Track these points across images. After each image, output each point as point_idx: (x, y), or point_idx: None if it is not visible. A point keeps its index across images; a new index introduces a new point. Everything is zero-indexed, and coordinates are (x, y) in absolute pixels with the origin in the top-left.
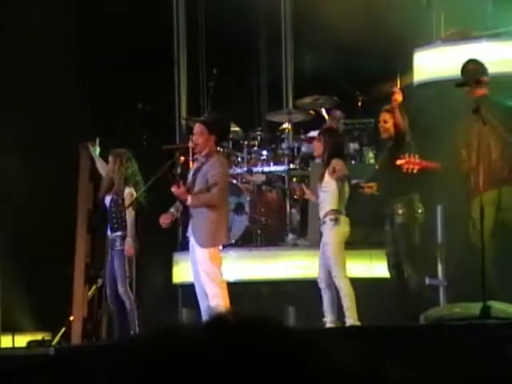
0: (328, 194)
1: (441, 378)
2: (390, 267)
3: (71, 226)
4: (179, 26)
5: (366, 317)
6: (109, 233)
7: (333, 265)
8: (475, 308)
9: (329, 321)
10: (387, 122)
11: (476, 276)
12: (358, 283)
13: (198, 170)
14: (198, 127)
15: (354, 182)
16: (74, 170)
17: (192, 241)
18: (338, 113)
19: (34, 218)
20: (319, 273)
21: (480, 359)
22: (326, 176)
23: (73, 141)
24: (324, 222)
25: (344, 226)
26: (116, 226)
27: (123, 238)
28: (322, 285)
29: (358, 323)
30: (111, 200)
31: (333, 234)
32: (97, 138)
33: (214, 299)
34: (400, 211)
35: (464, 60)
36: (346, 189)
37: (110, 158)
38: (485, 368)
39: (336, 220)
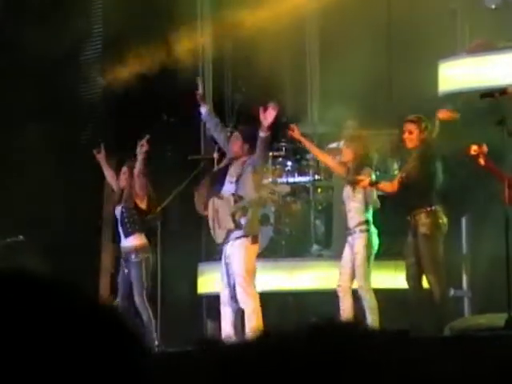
0: (359, 204)
1: None
2: (410, 278)
3: (96, 237)
4: (205, 41)
5: (390, 327)
6: (123, 243)
7: (361, 275)
8: (500, 319)
9: None
10: (412, 133)
11: (501, 287)
12: (382, 294)
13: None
14: (234, 135)
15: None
16: (99, 182)
17: (228, 249)
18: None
19: (59, 229)
20: (339, 281)
21: (504, 371)
22: (358, 186)
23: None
24: (355, 232)
25: (375, 237)
26: (130, 229)
27: (138, 249)
28: (342, 293)
29: None
30: (122, 208)
31: (366, 243)
32: None
33: (247, 310)
34: (424, 222)
35: (489, 71)
36: (375, 198)
37: (124, 169)
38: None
39: (368, 230)
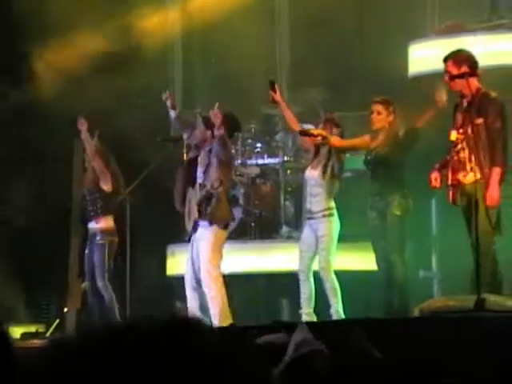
0: (323, 188)
1: (434, 371)
2: (379, 260)
3: (65, 218)
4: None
5: (364, 309)
6: (89, 225)
7: (326, 257)
8: (470, 301)
9: (305, 313)
10: (380, 114)
11: (470, 268)
12: (359, 276)
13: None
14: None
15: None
16: (68, 163)
17: (197, 234)
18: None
19: (28, 210)
20: (301, 265)
21: (474, 352)
22: (323, 170)
23: (68, 132)
24: (318, 217)
25: (337, 221)
26: (93, 213)
27: (102, 231)
28: (303, 277)
29: (343, 316)
30: (86, 191)
31: (331, 227)
32: None
33: (210, 293)
34: (398, 203)
35: None
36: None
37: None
38: (479, 361)
39: (332, 215)
